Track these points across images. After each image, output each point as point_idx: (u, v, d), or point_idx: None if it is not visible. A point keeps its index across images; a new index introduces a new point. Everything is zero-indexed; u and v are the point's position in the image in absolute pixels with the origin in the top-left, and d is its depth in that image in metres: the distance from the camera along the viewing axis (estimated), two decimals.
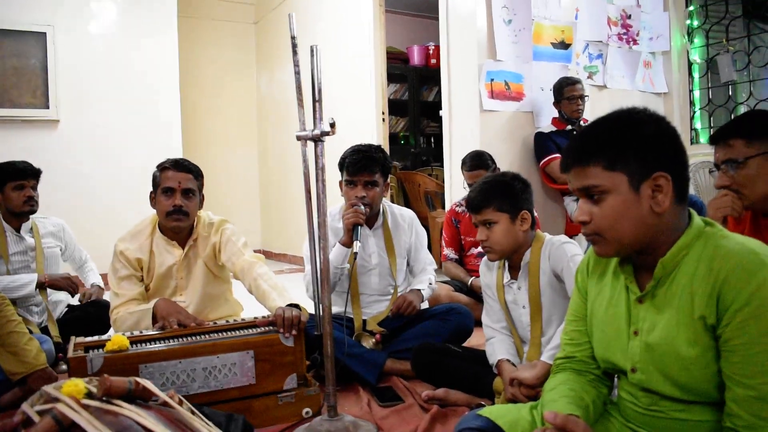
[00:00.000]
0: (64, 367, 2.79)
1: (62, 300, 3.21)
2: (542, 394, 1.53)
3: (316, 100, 1.89)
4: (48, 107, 5.24)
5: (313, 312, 2.36)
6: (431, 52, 7.05)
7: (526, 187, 2.16)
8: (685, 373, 1.23)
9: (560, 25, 4.43)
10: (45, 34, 5.22)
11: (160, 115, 5.76)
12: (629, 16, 4.95)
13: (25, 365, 2.27)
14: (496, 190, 2.09)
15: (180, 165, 2.56)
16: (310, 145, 1.90)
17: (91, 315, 3.10)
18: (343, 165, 2.68)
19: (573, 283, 1.95)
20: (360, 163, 2.62)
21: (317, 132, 1.87)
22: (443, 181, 5.88)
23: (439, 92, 7.12)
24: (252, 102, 7.43)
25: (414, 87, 6.97)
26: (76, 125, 5.37)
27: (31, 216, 3.12)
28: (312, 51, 1.90)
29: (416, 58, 7.02)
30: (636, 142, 1.24)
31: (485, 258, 2.34)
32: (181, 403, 1.41)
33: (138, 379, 1.36)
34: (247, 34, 7.37)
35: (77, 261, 3.46)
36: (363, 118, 5.14)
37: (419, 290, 2.77)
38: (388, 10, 5.29)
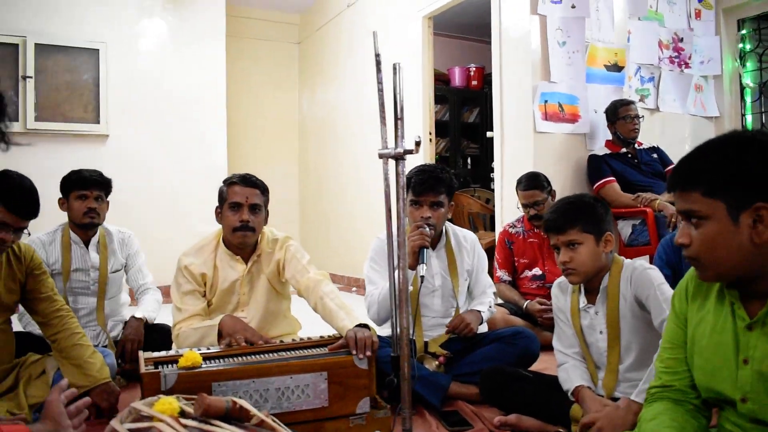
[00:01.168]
0: (122, 381, 2.78)
1: (122, 319, 3.14)
2: (640, 423, 1.48)
3: (399, 118, 1.86)
4: (99, 122, 5.33)
5: (379, 333, 2.33)
6: (472, 73, 7.05)
7: (608, 210, 2.12)
8: None
9: (613, 48, 4.39)
10: (98, 50, 5.32)
11: (207, 131, 5.82)
12: (681, 40, 4.89)
13: (89, 378, 2.25)
14: (580, 210, 2.04)
15: (247, 180, 2.55)
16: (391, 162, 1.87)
17: (154, 340, 2.93)
18: (408, 185, 2.64)
19: (660, 312, 1.92)
20: (426, 183, 2.59)
21: (400, 150, 1.84)
22: (486, 202, 5.85)
23: (479, 113, 7.12)
24: (294, 120, 7.49)
25: (455, 108, 6.95)
26: (125, 140, 5.45)
27: (101, 225, 3.03)
28: (395, 69, 1.87)
29: (457, 80, 7.02)
30: (737, 171, 1.22)
31: (558, 281, 2.28)
32: (273, 429, 1.37)
33: (235, 399, 1.33)
34: (291, 54, 7.45)
35: (135, 287, 3.20)
36: (410, 138, 5.12)
37: (478, 311, 2.71)
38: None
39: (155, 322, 3.08)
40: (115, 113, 5.39)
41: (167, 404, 1.31)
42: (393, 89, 1.87)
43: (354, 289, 6.07)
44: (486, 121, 6.82)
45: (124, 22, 5.49)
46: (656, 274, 2.02)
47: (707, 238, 1.26)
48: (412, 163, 2.73)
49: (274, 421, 1.37)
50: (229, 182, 2.57)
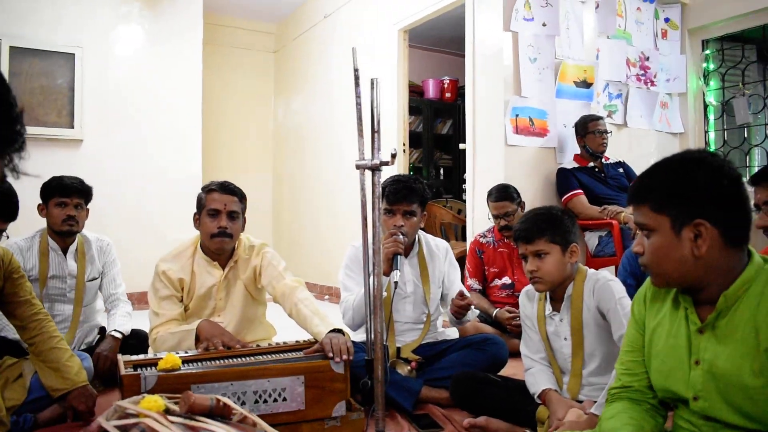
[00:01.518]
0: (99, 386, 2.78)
1: (96, 325, 3.16)
2: (600, 421, 1.56)
3: (375, 131, 1.94)
4: (73, 127, 5.31)
5: (353, 338, 2.40)
6: (446, 85, 7.17)
7: (574, 222, 2.23)
8: (749, 402, 1.28)
9: (583, 65, 4.53)
10: (74, 55, 5.30)
11: (182, 138, 5.83)
12: (647, 58, 5.06)
13: (66, 382, 2.28)
14: (548, 221, 2.14)
15: (226, 188, 2.60)
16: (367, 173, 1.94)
17: (131, 345, 2.95)
18: (382, 194, 2.72)
19: (619, 326, 2.03)
20: (400, 193, 2.67)
21: (376, 161, 1.91)
22: (458, 213, 5.95)
23: (452, 125, 7.25)
24: (269, 129, 7.54)
25: (428, 120, 7.06)
26: (100, 145, 5.43)
27: (79, 233, 3.02)
28: (372, 84, 1.95)
29: (431, 92, 7.13)
30: (682, 189, 1.33)
31: (526, 289, 2.37)
32: (255, 425, 1.43)
33: (219, 397, 1.38)
34: (267, 63, 7.50)
35: (106, 295, 3.16)
36: (385, 149, 5.20)
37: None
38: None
39: (129, 328, 3.07)
40: (89, 118, 5.38)
41: (152, 402, 1.36)
42: (370, 103, 1.95)
43: (327, 297, 6.12)
44: (459, 132, 6.94)
45: (100, 26, 5.48)
46: (618, 287, 2.12)
47: (655, 249, 1.38)
48: (387, 173, 2.82)
49: (255, 418, 1.43)
50: (207, 189, 2.62)
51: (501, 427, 2.24)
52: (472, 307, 2.84)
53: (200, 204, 2.62)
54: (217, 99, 7.01)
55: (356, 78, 1.97)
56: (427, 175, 7.00)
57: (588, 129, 4.18)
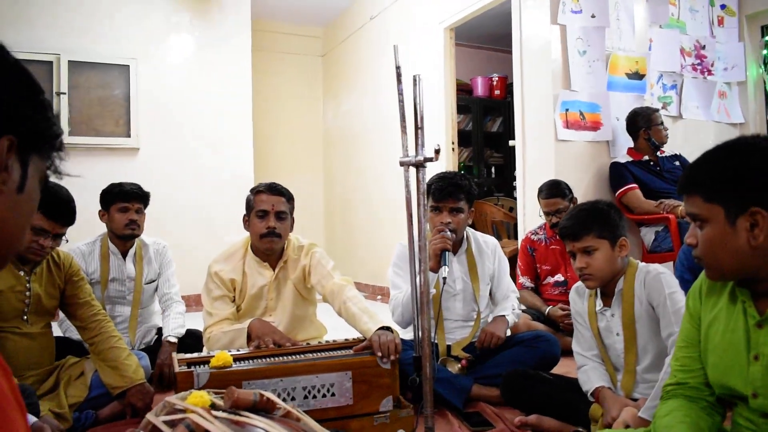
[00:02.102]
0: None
1: (154, 326, 3.26)
2: (655, 419, 1.52)
3: (419, 127, 1.93)
4: (129, 136, 5.48)
5: (403, 336, 2.39)
6: (495, 83, 7.10)
7: (621, 215, 2.17)
8: None
9: (634, 56, 4.42)
10: (128, 66, 5.48)
11: (234, 143, 5.96)
12: (703, 47, 4.90)
13: (125, 379, 2.36)
14: (595, 216, 2.09)
15: (273, 189, 2.64)
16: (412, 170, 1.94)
17: (188, 345, 3.05)
18: (429, 191, 2.72)
19: (667, 324, 1.98)
20: (445, 190, 2.66)
21: (420, 158, 1.91)
22: (509, 211, 5.89)
23: (502, 123, 7.17)
24: (319, 131, 7.62)
25: (478, 118, 7.01)
26: (155, 152, 5.60)
27: (138, 238, 3.12)
28: (415, 80, 1.95)
29: (480, 89, 7.08)
30: (734, 176, 1.27)
31: (576, 285, 2.33)
32: (298, 420, 1.44)
33: (262, 392, 1.40)
34: (315, 66, 7.58)
35: (160, 295, 3.26)
36: (430, 146, 5.19)
37: (503, 317, 2.76)
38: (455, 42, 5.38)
39: (184, 329, 3.16)
40: (145, 127, 5.55)
41: (199, 397, 1.38)
42: (413, 99, 1.95)
43: (379, 297, 6.14)
44: (509, 130, 6.86)
45: (153, 38, 5.65)
46: (669, 280, 2.05)
47: (708, 240, 1.32)
48: (435, 171, 2.81)
49: (299, 412, 1.44)
50: (255, 191, 2.67)
51: (553, 426, 2.21)
52: (515, 311, 2.81)
53: (249, 205, 2.67)
54: (267, 103, 7.13)
55: (398, 75, 1.98)
56: (477, 174, 6.95)
57: (653, 121, 4.08)
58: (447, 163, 5.10)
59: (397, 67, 1.97)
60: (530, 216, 4.25)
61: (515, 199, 5.25)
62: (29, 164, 0.77)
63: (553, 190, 3.60)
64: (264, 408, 1.40)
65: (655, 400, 1.83)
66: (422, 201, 1.93)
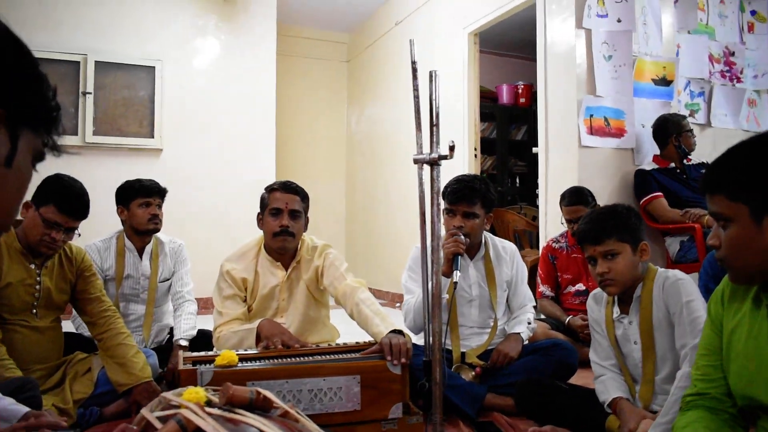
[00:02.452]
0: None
1: (167, 325, 3.23)
2: (673, 431, 1.44)
3: (434, 125, 1.88)
4: (153, 137, 5.52)
5: (415, 341, 2.34)
6: (520, 91, 7.03)
7: (641, 219, 2.10)
8: None
9: (661, 62, 4.32)
10: (154, 68, 5.52)
11: (256, 146, 5.96)
12: (732, 53, 4.78)
13: (131, 377, 2.33)
14: (615, 220, 2.02)
15: (287, 187, 2.61)
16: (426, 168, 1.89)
17: (200, 344, 2.96)
18: (444, 194, 2.66)
19: (682, 334, 1.91)
20: (460, 193, 2.60)
21: (435, 156, 1.86)
22: (532, 219, 5.80)
23: (527, 131, 7.08)
24: (342, 137, 7.60)
25: (502, 126, 6.94)
26: (178, 154, 5.62)
27: (154, 235, 3.10)
28: (431, 76, 1.90)
29: (505, 97, 7.01)
30: (759, 174, 1.21)
31: (594, 293, 2.26)
32: (297, 421, 1.39)
33: (259, 389, 1.35)
34: (340, 72, 7.58)
35: (173, 293, 3.20)
36: (456, 155, 5.13)
37: (518, 334, 2.68)
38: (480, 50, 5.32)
39: (195, 330, 3.10)
40: (168, 128, 5.58)
41: (194, 393, 1.34)
42: (429, 96, 1.90)
43: (398, 304, 6.07)
44: (534, 138, 6.75)
45: (179, 40, 5.70)
46: (688, 288, 1.97)
47: (733, 240, 1.26)
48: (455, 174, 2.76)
49: (299, 413, 1.39)
50: (270, 189, 2.63)
51: None
52: (531, 324, 2.73)
53: (263, 203, 2.63)
54: (291, 108, 7.14)
55: (414, 71, 1.93)
56: (501, 183, 6.87)
57: (684, 127, 3.99)
58: (470, 169, 5.05)
59: (413, 62, 1.92)
60: (552, 223, 4.17)
61: (538, 207, 5.16)
62: (19, 138, 0.75)
63: (576, 197, 3.51)
64: (261, 406, 1.35)
65: (665, 416, 1.75)
66: (436, 200, 1.88)
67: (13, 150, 0.74)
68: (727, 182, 1.26)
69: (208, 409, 1.28)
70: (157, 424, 1.33)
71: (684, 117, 4.10)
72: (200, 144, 5.73)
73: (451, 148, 1.79)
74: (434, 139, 1.88)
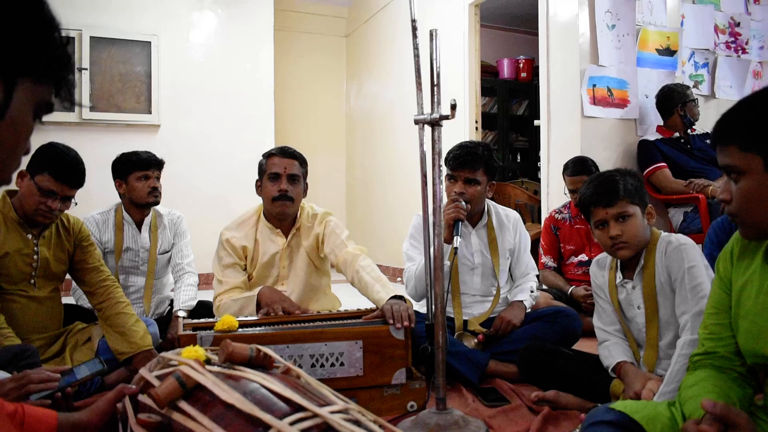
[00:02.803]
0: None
1: (167, 297, 3.22)
2: (680, 390, 1.42)
3: (435, 84, 1.84)
4: (150, 112, 5.46)
5: (416, 308, 2.31)
6: (521, 65, 6.96)
7: (642, 183, 2.07)
8: None
9: (666, 31, 4.26)
10: (150, 43, 5.45)
11: (255, 122, 5.91)
12: (738, 24, 4.71)
13: (131, 345, 2.31)
14: (625, 182, 1.97)
15: (285, 152, 2.58)
16: (427, 129, 1.85)
17: (201, 315, 2.91)
18: (446, 159, 2.62)
19: (683, 300, 1.88)
20: (462, 158, 2.56)
21: (435, 116, 1.82)
22: (533, 194, 5.76)
23: (528, 106, 7.03)
24: (341, 112, 7.54)
25: (503, 100, 6.88)
26: (176, 130, 5.57)
27: (153, 207, 3.08)
28: (431, 35, 1.86)
29: (506, 72, 6.94)
30: None
31: (597, 258, 2.22)
32: (299, 377, 1.37)
33: (259, 347, 1.33)
34: (339, 47, 7.49)
35: (173, 265, 3.19)
36: (456, 128, 5.09)
37: (521, 302, 2.66)
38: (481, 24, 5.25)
39: (195, 302, 3.09)
40: (166, 104, 5.52)
41: (193, 352, 1.32)
42: (429, 55, 1.86)
43: (399, 279, 6.06)
44: (535, 113, 6.71)
45: (175, 15, 5.62)
46: (691, 253, 1.92)
47: (745, 193, 1.21)
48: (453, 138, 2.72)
49: (300, 371, 1.36)
50: (268, 154, 2.60)
51: (571, 402, 2.11)
52: (534, 292, 2.71)
53: (261, 169, 2.60)
54: (290, 84, 7.06)
55: (414, 29, 1.89)
56: (502, 158, 6.82)
57: (688, 96, 3.95)
58: None
59: (413, 21, 1.88)
60: (554, 195, 4.13)
61: (540, 182, 5.12)
62: (16, 88, 0.70)
63: (580, 167, 3.48)
64: (261, 364, 1.33)
65: (669, 384, 1.73)
66: (437, 162, 1.84)
67: (6, 100, 0.69)
68: (739, 132, 1.21)
69: (208, 367, 1.26)
70: (156, 383, 1.31)
71: (688, 87, 4.05)
72: (198, 119, 5.67)
73: (453, 107, 1.76)
74: (435, 99, 1.85)
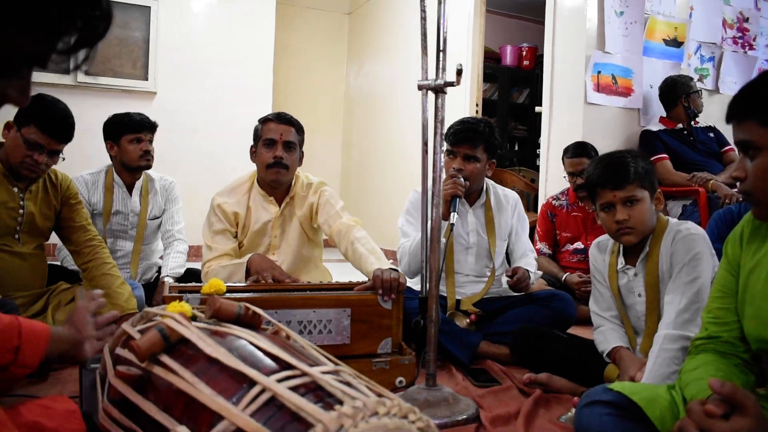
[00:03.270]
0: None
1: (155, 264, 3.16)
2: (681, 374, 1.37)
3: (441, 50, 1.78)
4: (147, 79, 5.36)
5: (409, 284, 2.26)
6: (524, 53, 6.89)
7: (653, 167, 2.00)
8: None
9: (674, 22, 4.20)
10: (149, 8, 5.34)
11: (253, 95, 5.81)
12: (746, 20, 4.66)
13: (116, 307, 2.25)
14: (636, 164, 1.89)
15: (282, 118, 2.51)
16: (431, 96, 1.79)
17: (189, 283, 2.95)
18: (447, 135, 2.56)
19: (677, 289, 1.81)
20: (462, 134, 2.50)
21: (440, 82, 1.76)
22: (531, 182, 5.71)
23: (530, 94, 6.96)
24: (340, 92, 7.44)
25: (504, 87, 6.81)
26: (172, 98, 5.47)
27: (144, 172, 3.02)
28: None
29: (508, 59, 6.86)
30: None
31: (597, 241, 2.17)
32: (288, 338, 1.32)
33: (248, 305, 1.27)
34: (341, 24, 7.38)
35: (163, 232, 3.15)
36: (457, 110, 5.02)
37: (528, 271, 2.59)
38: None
39: (183, 269, 3.05)
40: (163, 71, 5.42)
41: (178, 307, 1.27)
42: (437, 20, 1.80)
43: (391, 261, 6.00)
44: (536, 102, 6.66)
45: None
46: (701, 244, 1.85)
47: (762, 171, 1.16)
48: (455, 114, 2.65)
49: (291, 332, 1.31)
50: (264, 120, 2.53)
51: (564, 386, 2.06)
52: (535, 271, 2.65)
53: (256, 135, 2.54)
54: (289, 59, 6.95)
55: None
56: (501, 145, 6.75)
57: (692, 88, 3.91)
58: None
59: None
60: (552, 182, 4.09)
61: (537, 168, 5.08)
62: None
63: (580, 150, 3.44)
64: (249, 322, 1.28)
65: (652, 360, 1.71)
66: (439, 129, 1.78)
67: None
68: (758, 106, 1.16)
69: (193, 323, 1.20)
70: (136, 335, 1.26)
71: (692, 78, 4.01)
72: (195, 89, 5.57)
73: (459, 72, 1.69)
74: (440, 65, 1.79)
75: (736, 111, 1.21)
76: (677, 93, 3.90)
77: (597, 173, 1.95)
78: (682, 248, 1.87)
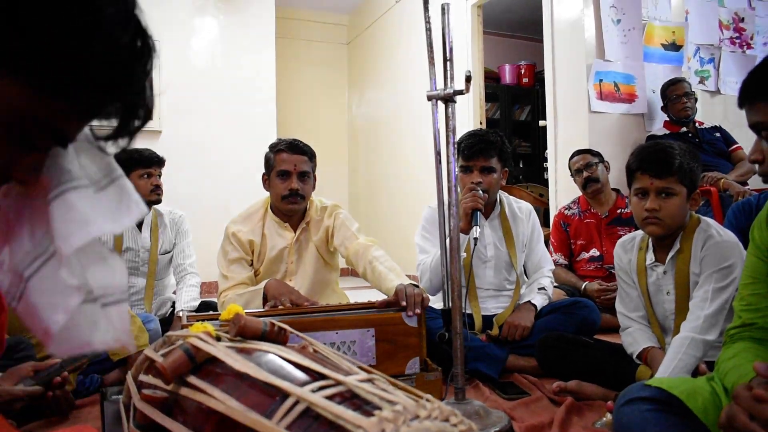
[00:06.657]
0: None
1: (169, 299, 3.14)
2: (718, 364, 1.33)
3: (448, 59, 1.78)
4: (152, 118, 5.38)
5: (431, 304, 2.21)
6: (523, 71, 6.93)
7: (699, 167, 1.93)
8: None
9: (671, 26, 4.22)
10: None
11: (257, 130, 5.83)
12: (742, 20, 4.67)
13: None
14: (682, 159, 1.84)
15: (295, 147, 2.50)
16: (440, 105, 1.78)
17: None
18: (458, 150, 2.54)
19: (705, 296, 1.78)
20: (475, 147, 2.49)
21: (449, 91, 1.75)
22: (539, 196, 5.69)
23: (531, 111, 6.98)
24: (343, 120, 7.49)
25: (506, 106, 6.83)
26: (177, 136, 5.49)
27: (153, 207, 3.01)
28: (443, 9, 1.80)
29: (508, 77, 6.90)
30: None
31: (621, 240, 2.13)
32: (316, 352, 1.29)
33: (273, 321, 1.25)
34: (340, 55, 7.46)
35: (175, 266, 3.14)
36: (463, 131, 5.02)
37: (528, 302, 2.53)
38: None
39: (197, 302, 3.04)
40: (168, 110, 5.46)
41: (202, 327, 1.24)
42: (442, 30, 1.80)
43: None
44: (537, 118, 6.67)
45: (176, 21, 5.56)
46: (734, 254, 1.80)
47: None
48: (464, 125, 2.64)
49: (319, 345, 1.28)
50: (276, 149, 2.52)
51: (594, 392, 2.02)
52: (548, 286, 2.62)
53: (269, 164, 2.52)
54: (291, 91, 7.01)
55: (425, 2, 1.83)
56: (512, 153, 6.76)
57: (667, 95, 3.91)
58: None
59: None
60: (562, 194, 4.07)
61: (546, 181, 5.06)
62: None
63: (583, 150, 3.52)
64: (275, 338, 1.25)
65: (673, 361, 1.69)
66: (451, 139, 1.77)
67: None
68: None
69: (219, 343, 1.17)
70: (158, 359, 1.23)
71: (674, 82, 3.94)
72: (200, 126, 5.60)
73: (468, 79, 1.69)
74: (448, 75, 1.78)
75: (749, 93, 1.19)
76: (662, 102, 3.93)
77: (641, 157, 1.90)
78: (716, 255, 1.82)
